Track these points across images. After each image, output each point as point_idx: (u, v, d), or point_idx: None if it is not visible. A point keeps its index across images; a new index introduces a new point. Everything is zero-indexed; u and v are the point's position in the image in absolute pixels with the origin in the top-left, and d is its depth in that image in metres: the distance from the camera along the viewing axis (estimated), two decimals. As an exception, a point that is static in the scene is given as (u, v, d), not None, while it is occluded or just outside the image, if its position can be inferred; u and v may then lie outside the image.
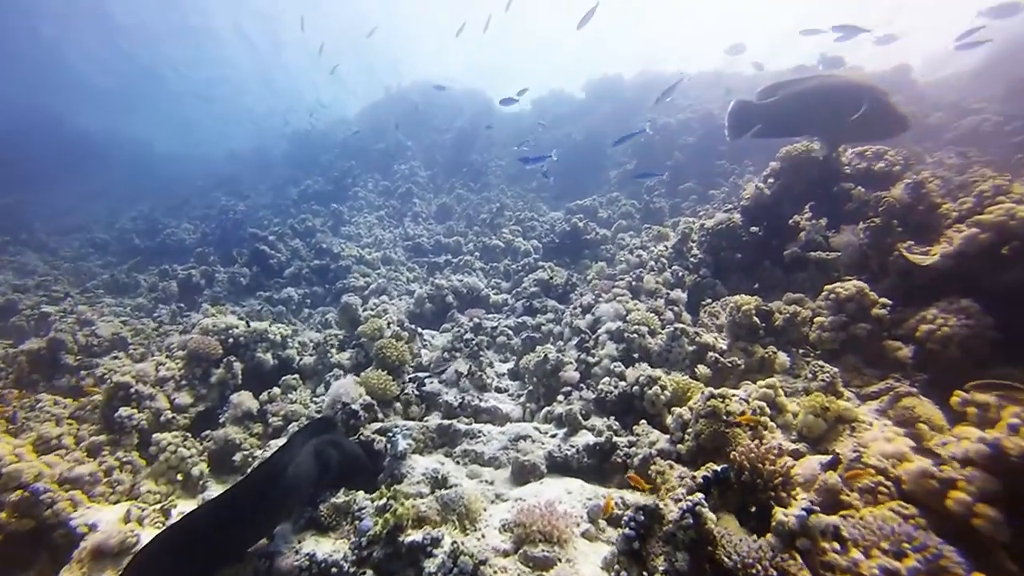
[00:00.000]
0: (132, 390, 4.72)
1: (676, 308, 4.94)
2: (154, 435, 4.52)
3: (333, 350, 6.26)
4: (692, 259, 6.51)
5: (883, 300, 4.35)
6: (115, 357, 6.36)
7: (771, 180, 6.68)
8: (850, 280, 4.57)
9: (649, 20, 32.85)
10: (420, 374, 5.52)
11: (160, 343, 6.97)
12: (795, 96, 6.30)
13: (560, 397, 4.33)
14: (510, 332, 6.83)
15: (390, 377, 5.07)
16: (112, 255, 14.23)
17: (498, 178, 18.17)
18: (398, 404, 4.81)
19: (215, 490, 4.28)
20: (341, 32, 32.48)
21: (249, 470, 4.38)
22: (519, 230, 11.24)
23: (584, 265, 9.25)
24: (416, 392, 4.82)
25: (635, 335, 4.64)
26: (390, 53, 35.04)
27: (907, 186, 5.04)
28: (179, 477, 4.36)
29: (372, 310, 7.15)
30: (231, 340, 5.54)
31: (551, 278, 7.85)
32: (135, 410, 4.63)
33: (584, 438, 3.68)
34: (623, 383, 4.06)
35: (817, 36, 11.61)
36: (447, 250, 11.80)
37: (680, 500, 2.62)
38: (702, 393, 3.37)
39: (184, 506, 4.03)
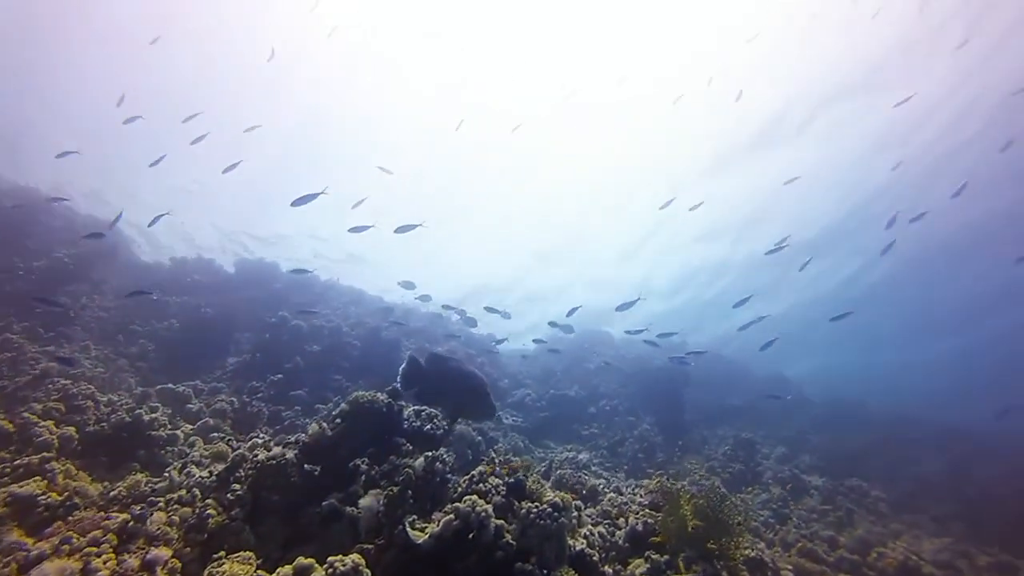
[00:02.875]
0: None
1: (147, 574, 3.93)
2: None
3: None
4: (231, 494, 5.69)
5: (372, 580, 4.29)
6: None
7: (338, 421, 6.70)
8: (351, 554, 4.45)
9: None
10: None
11: None
12: (448, 371, 6.88)
13: None
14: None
15: None
16: None
17: (89, 332, 14.50)
18: None
19: None
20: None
21: None
22: (61, 409, 8.54)
23: (126, 472, 7.31)
24: None
25: (65, 617, 3.39)
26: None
27: (426, 458, 5.55)
28: None
29: None
30: None
31: (40, 493, 5.77)
32: None
33: None
34: None
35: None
36: (-73, 416, 8.01)
37: None
38: None
39: None
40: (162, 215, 8.82)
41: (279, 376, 12.70)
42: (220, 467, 6.05)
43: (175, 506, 5.29)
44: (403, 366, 7.34)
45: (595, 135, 25.66)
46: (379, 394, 6.82)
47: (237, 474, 5.86)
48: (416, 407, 7.28)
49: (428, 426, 7.00)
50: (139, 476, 6.97)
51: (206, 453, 7.24)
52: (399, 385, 7.39)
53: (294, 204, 10.69)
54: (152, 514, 4.79)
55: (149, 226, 8.91)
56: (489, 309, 18.10)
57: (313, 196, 10.55)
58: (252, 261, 19.33)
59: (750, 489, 9.20)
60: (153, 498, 5.92)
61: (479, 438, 10.23)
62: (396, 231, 11.71)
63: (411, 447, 6.63)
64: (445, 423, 7.19)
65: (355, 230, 11.69)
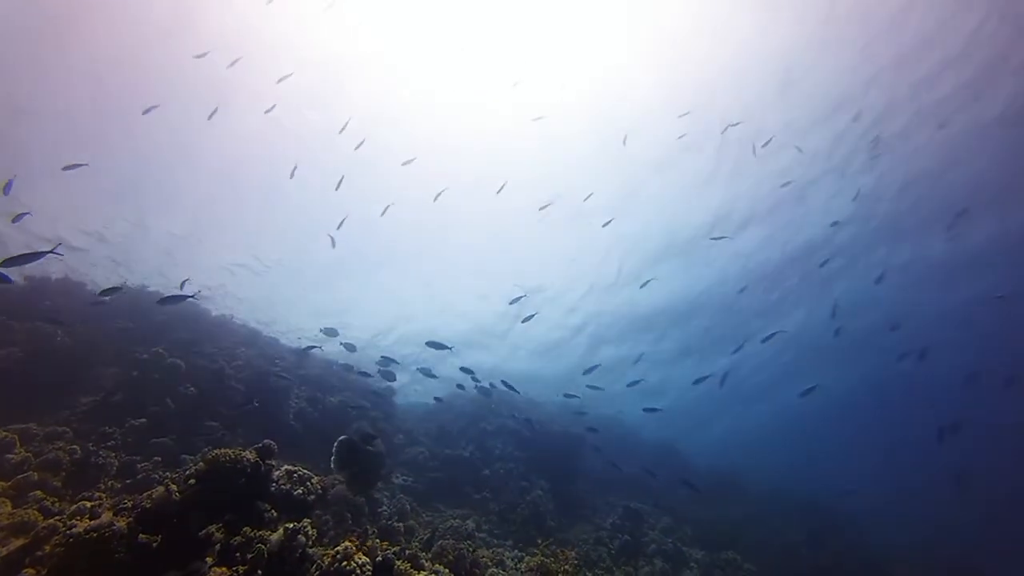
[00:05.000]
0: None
1: None
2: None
3: None
4: (22, 579, 4.40)
5: None
6: None
7: (191, 482, 5.59)
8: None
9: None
10: None
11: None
12: (369, 456, 7.05)
13: None
14: None
15: None
16: None
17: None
18: None
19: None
20: None
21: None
22: None
23: None
24: None
25: None
26: None
27: (285, 531, 4.68)
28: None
29: None
30: None
31: None
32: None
33: None
34: None
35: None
36: None
37: None
38: None
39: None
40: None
41: (142, 420, 10.87)
42: (16, 544, 4.71)
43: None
44: (338, 446, 7.02)
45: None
46: (246, 452, 5.83)
47: (37, 553, 4.57)
48: (289, 467, 6.32)
49: (299, 490, 6.06)
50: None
51: (5, 523, 5.69)
52: (333, 466, 7.27)
53: (3, 265, 8.02)
54: None
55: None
56: (432, 344, 16.69)
57: (39, 255, 8.01)
58: (133, 289, 17.00)
59: (633, 564, 8.84)
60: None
61: (361, 499, 9.16)
62: (159, 302, 10.63)
63: (276, 514, 5.66)
64: (319, 488, 6.28)
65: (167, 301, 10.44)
